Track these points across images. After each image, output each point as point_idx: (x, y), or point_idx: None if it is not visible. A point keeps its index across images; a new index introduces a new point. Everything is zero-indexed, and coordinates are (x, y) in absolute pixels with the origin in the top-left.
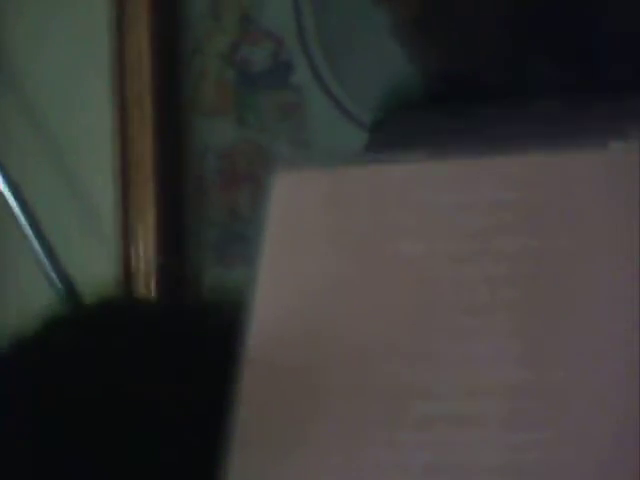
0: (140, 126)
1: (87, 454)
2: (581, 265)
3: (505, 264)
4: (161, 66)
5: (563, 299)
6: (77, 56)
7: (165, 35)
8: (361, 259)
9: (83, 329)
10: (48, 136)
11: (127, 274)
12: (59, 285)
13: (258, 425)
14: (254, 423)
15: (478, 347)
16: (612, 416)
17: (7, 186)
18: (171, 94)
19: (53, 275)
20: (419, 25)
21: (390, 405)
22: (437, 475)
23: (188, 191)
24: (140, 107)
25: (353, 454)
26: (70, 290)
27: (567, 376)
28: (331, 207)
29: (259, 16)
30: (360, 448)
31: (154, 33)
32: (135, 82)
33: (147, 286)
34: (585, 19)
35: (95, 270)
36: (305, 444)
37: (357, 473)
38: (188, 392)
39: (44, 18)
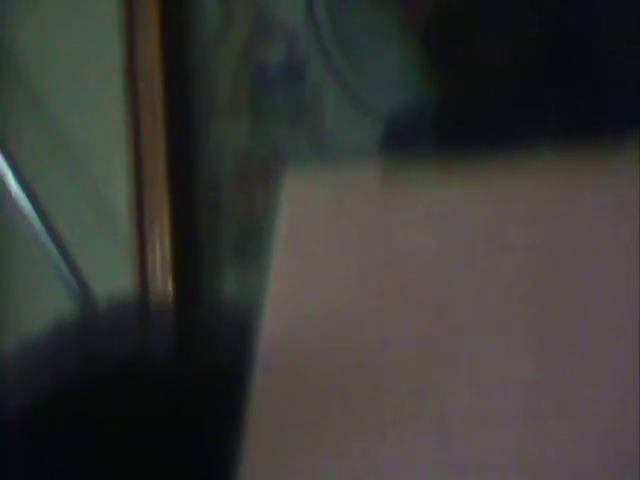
0: (153, 127)
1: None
2: (593, 277)
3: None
4: (173, 67)
5: (575, 303)
6: (88, 60)
7: (176, 36)
8: (370, 261)
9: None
10: (61, 139)
11: (143, 274)
12: (74, 286)
13: (271, 430)
14: (267, 428)
15: (492, 343)
16: (625, 411)
17: (21, 189)
18: (184, 95)
19: (68, 276)
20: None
21: (404, 404)
22: (454, 472)
23: (203, 191)
24: (153, 109)
25: (368, 453)
26: (85, 291)
27: (579, 372)
28: (339, 210)
29: (272, 13)
30: (374, 447)
31: (165, 34)
32: (147, 84)
33: (163, 286)
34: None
35: (111, 271)
36: (320, 445)
37: (374, 472)
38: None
39: (54, 24)
